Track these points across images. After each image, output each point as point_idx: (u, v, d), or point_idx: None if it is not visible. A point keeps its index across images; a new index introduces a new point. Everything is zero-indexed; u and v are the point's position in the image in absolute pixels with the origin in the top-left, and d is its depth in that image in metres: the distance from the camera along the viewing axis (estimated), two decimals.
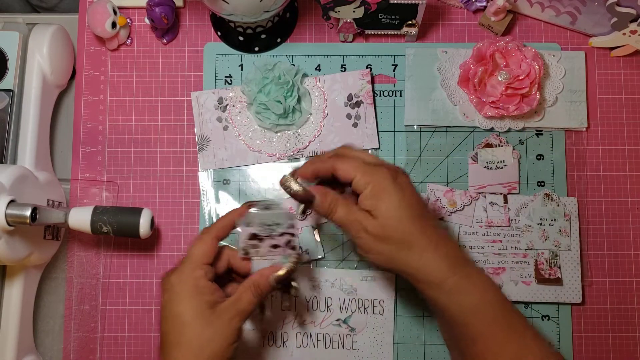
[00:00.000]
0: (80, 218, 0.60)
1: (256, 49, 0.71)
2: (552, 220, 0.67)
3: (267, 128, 0.68)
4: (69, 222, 0.60)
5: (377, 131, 0.69)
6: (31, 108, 0.64)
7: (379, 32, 0.70)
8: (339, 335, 0.67)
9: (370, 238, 0.53)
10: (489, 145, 0.69)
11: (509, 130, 0.69)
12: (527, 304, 0.67)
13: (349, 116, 0.69)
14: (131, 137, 0.70)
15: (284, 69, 0.67)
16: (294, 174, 0.56)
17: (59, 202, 0.65)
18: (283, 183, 0.56)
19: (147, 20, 0.71)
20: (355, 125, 0.69)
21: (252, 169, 0.69)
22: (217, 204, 0.69)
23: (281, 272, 0.54)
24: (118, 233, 0.60)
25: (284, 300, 0.61)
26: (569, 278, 0.67)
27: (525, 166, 0.69)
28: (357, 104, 0.69)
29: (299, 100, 0.68)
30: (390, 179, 0.53)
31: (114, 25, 0.68)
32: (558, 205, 0.68)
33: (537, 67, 0.66)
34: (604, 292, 0.68)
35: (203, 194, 0.69)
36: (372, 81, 0.70)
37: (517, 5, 0.71)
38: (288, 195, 0.56)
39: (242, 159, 0.69)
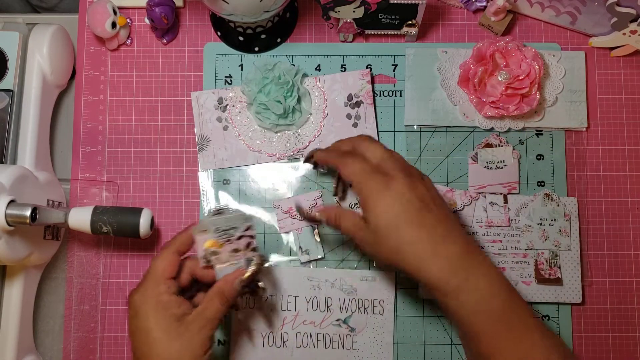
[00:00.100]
0: (80, 218, 0.60)
1: (256, 49, 0.71)
2: (552, 220, 0.67)
3: (267, 128, 0.68)
4: (69, 222, 0.60)
5: (377, 131, 0.69)
6: (31, 108, 0.64)
7: (379, 32, 0.70)
8: (339, 335, 0.67)
9: (368, 244, 0.55)
10: (489, 145, 0.69)
11: (509, 130, 0.69)
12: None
13: (349, 116, 0.69)
14: (131, 137, 0.70)
15: (284, 69, 0.67)
16: (310, 158, 0.63)
17: (59, 202, 0.65)
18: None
19: (147, 20, 0.71)
20: (355, 125, 0.69)
21: (252, 169, 0.69)
22: (217, 204, 0.69)
23: (245, 276, 0.55)
24: (118, 233, 0.60)
25: (255, 301, 0.61)
26: (569, 278, 0.67)
27: (525, 166, 0.69)
28: (357, 104, 0.69)
29: (299, 100, 0.68)
30: (381, 187, 0.54)
31: (114, 25, 0.68)
32: (558, 205, 0.68)
33: (537, 67, 0.66)
34: (604, 292, 0.68)
35: (203, 194, 0.69)
36: (372, 81, 0.70)
37: (517, 5, 0.71)
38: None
39: (242, 159, 0.69)
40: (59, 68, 0.67)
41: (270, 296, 0.67)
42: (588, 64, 0.71)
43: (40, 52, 0.65)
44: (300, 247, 0.68)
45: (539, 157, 0.69)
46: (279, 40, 0.71)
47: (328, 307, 0.67)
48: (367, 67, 0.71)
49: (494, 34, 0.71)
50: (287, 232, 0.68)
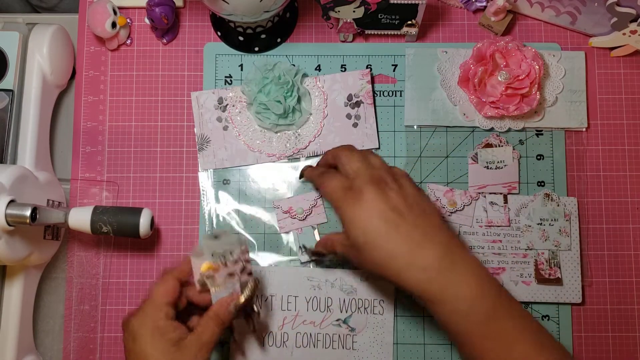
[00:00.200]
0: (80, 218, 0.60)
1: (256, 49, 0.71)
2: (552, 220, 0.67)
3: (267, 128, 0.68)
4: (69, 222, 0.60)
5: (377, 131, 0.69)
6: (31, 108, 0.64)
7: (379, 32, 0.70)
8: (339, 336, 0.67)
9: (355, 258, 0.56)
10: (489, 145, 0.69)
11: (509, 130, 0.69)
12: (527, 304, 0.67)
13: (349, 116, 0.69)
14: (131, 137, 0.70)
15: (284, 69, 0.67)
16: (303, 174, 0.66)
17: (59, 202, 0.65)
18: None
19: (147, 20, 0.71)
20: (355, 125, 0.69)
21: (252, 169, 0.69)
22: (217, 204, 0.69)
23: (240, 300, 0.56)
24: (118, 233, 0.60)
25: (248, 324, 0.62)
26: (569, 278, 0.67)
27: (525, 166, 0.69)
28: (357, 104, 0.69)
29: (299, 100, 0.68)
30: (353, 205, 0.54)
31: (114, 25, 0.68)
32: (558, 205, 0.68)
33: (537, 67, 0.66)
34: (604, 292, 0.68)
35: (203, 194, 0.69)
36: (372, 81, 0.70)
37: (517, 5, 0.71)
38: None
39: (242, 159, 0.69)
40: (59, 68, 0.67)
41: (270, 296, 0.67)
42: (588, 64, 0.71)
43: (40, 52, 0.65)
44: (300, 247, 0.68)
45: (539, 157, 0.69)
46: (279, 40, 0.71)
47: (328, 307, 0.67)
48: (367, 67, 0.71)
49: (494, 34, 0.71)
50: (287, 232, 0.68)
